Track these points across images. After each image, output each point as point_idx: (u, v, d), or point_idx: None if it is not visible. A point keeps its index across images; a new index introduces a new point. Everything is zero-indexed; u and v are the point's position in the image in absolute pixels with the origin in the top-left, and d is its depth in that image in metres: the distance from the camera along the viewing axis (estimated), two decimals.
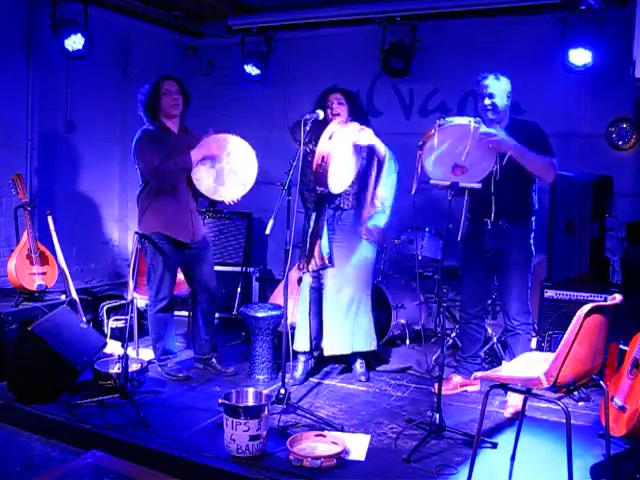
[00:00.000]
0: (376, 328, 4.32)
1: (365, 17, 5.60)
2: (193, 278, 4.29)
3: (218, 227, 5.80)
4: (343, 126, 3.86)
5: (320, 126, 3.92)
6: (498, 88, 3.72)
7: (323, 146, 3.74)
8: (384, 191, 4.04)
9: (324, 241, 4.06)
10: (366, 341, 4.20)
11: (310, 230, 4.09)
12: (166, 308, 4.20)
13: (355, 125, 3.91)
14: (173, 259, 4.13)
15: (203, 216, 4.38)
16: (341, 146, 3.80)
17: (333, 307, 4.11)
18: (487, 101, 3.73)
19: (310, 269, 4.10)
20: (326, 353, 4.19)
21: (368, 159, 4.05)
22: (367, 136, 3.90)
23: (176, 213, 4.08)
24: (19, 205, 4.47)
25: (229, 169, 4.11)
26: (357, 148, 3.93)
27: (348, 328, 4.13)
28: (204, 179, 4.08)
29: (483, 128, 3.50)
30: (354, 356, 4.29)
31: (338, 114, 4.00)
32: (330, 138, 3.74)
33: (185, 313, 5.07)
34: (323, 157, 3.71)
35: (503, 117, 3.78)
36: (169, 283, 4.16)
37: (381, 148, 3.97)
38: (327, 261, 4.06)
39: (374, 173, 4.04)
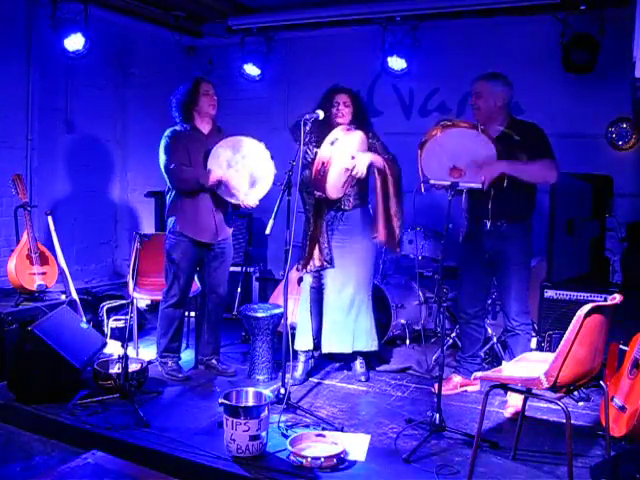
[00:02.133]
0: (376, 328, 4.32)
1: (365, 17, 5.60)
2: (204, 280, 4.30)
3: None
4: (347, 133, 3.86)
5: (321, 126, 3.92)
6: (486, 89, 3.72)
7: (324, 152, 3.74)
8: (397, 211, 4.07)
9: (324, 243, 4.06)
10: (367, 341, 4.20)
11: (310, 232, 4.09)
12: (175, 305, 4.20)
13: (358, 133, 3.90)
14: (190, 258, 4.14)
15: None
16: (342, 153, 3.80)
17: (334, 306, 4.11)
18: (472, 102, 3.78)
19: (308, 270, 4.11)
20: (324, 350, 4.18)
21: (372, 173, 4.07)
22: (360, 164, 3.87)
23: (196, 213, 4.09)
24: (19, 205, 4.46)
25: (244, 172, 4.09)
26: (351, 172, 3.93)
27: (349, 327, 4.12)
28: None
29: (486, 134, 3.51)
30: (354, 355, 4.29)
31: (343, 115, 4.00)
32: (332, 144, 3.74)
33: (184, 313, 5.06)
34: (323, 163, 3.71)
35: (494, 118, 3.75)
36: (182, 281, 4.16)
37: (378, 161, 3.95)
38: (326, 262, 4.06)
39: (380, 192, 4.04)
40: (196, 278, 4.38)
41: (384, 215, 4.06)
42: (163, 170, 4.09)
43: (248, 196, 4.09)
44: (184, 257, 4.12)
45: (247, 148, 4.10)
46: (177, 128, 4.13)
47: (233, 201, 4.14)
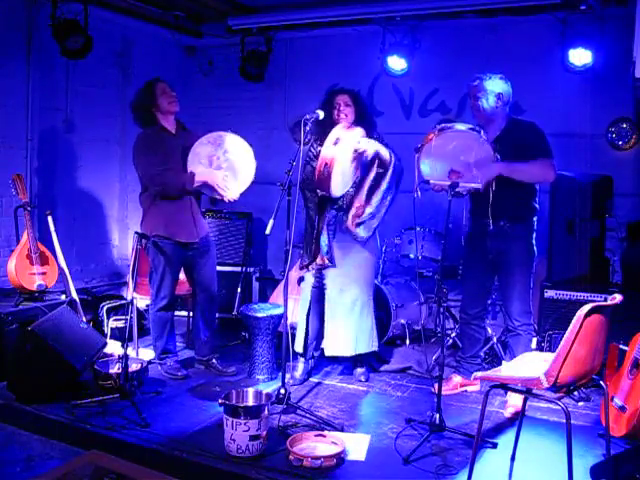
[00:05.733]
0: (377, 328, 4.31)
1: (365, 17, 5.60)
2: (193, 279, 4.30)
3: (218, 227, 5.79)
4: (347, 131, 3.86)
5: (323, 125, 3.92)
6: (485, 90, 3.71)
7: (327, 151, 3.74)
8: (376, 201, 4.02)
9: (324, 241, 4.06)
10: (368, 343, 4.19)
11: (314, 229, 4.08)
12: (166, 307, 4.21)
13: (359, 130, 3.90)
14: (175, 259, 4.14)
15: (203, 216, 4.38)
16: (345, 152, 3.80)
17: (336, 307, 4.11)
18: (472, 103, 3.77)
19: (311, 268, 4.10)
20: (327, 353, 4.18)
21: (369, 165, 4.05)
22: (371, 145, 3.89)
23: (176, 213, 4.09)
24: (19, 205, 4.46)
25: (227, 167, 4.10)
26: (359, 154, 3.92)
27: (351, 329, 4.12)
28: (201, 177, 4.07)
29: (484, 136, 3.50)
30: (356, 359, 4.29)
31: (345, 116, 3.99)
32: (335, 144, 3.74)
33: (184, 313, 5.07)
34: (326, 163, 3.71)
35: (493, 118, 3.75)
36: (170, 282, 4.16)
37: (385, 154, 3.95)
38: (327, 261, 4.05)
39: (370, 178, 4.01)
40: (186, 279, 4.39)
41: (358, 203, 4.03)
42: (143, 175, 4.08)
43: (231, 190, 4.08)
44: (169, 259, 4.11)
45: (228, 143, 4.10)
46: (147, 131, 4.12)
47: (216, 196, 4.13)
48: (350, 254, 4.10)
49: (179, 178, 4.00)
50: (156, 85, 4.10)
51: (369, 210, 4.02)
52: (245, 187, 4.13)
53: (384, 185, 3.99)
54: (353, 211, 4.03)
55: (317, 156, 3.96)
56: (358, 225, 4.03)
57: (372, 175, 4.00)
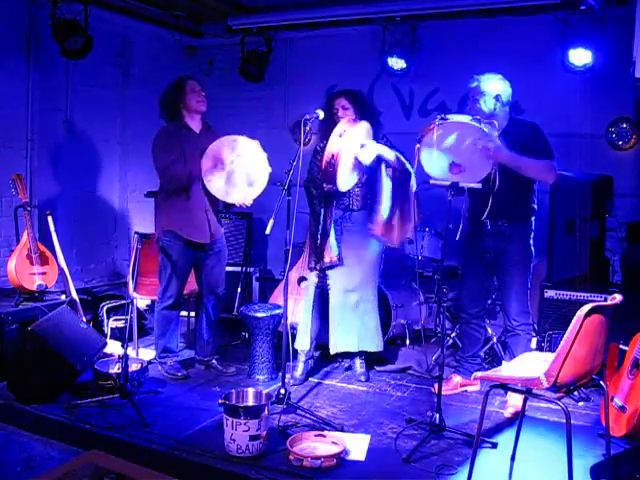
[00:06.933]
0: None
1: (365, 17, 5.60)
2: (201, 280, 4.29)
3: None
4: (353, 125, 3.86)
5: (327, 129, 3.92)
6: (483, 92, 3.69)
7: (333, 144, 3.74)
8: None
9: (332, 239, 4.05)
10: (373, 341, 4.19)
11: (319, 228, 4.08)
12: (172, 306, 4.20)
13: (364, 124, 3.90)
14: (184, 260, 4.13)
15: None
16: (350, 145, 3.80)
17: (340, 306, 4.11)
18: (470, 105, 3.75)
19: (318, 267, 4.09)
20: (332, 351, 4.17)
21: (375, 167, 4.04)
22: (369, 152, 3.87)
23: (190, 213, 4.07)
24: (19, 205, 4.46)
25: (240, 171, 4.07)
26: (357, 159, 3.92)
27: (354, 327, 4.12)
28: (215, 181, 4.04)
29: (486, 128, 3.48)
30: (355, 355, 4.28)
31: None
32: (340, 136, 3.74)
33: (185, 313, 5.07)
34: (333, 155, 3.71)
35: (494, 119, 3.72)
36: (177, 283, 4.16)
37: (390, 156, 3.95)
38: (336, 259, 4.05)
39: (384, 184, 4.02)
40: (193, 278, 4.38)
41: (391, 211, 4.04)
42: (157, 169, 4.07)
43: (244, 195, 4.07)
44: (179, 258, 4.10)
45: (242, 147, 4.08)
46: (169, 126, 4.12)
47: (228, 200, 4.11)
48: (356, 254, 4.10)
49: (187, 168, 3.98)
50: (187, 82, 4.12)
51: (410, 225, 4.07)
52: (258, 193, 4.07)
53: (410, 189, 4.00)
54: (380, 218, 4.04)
55: (322, 153, 3.94)
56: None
57: (384, 183, 4.00)
